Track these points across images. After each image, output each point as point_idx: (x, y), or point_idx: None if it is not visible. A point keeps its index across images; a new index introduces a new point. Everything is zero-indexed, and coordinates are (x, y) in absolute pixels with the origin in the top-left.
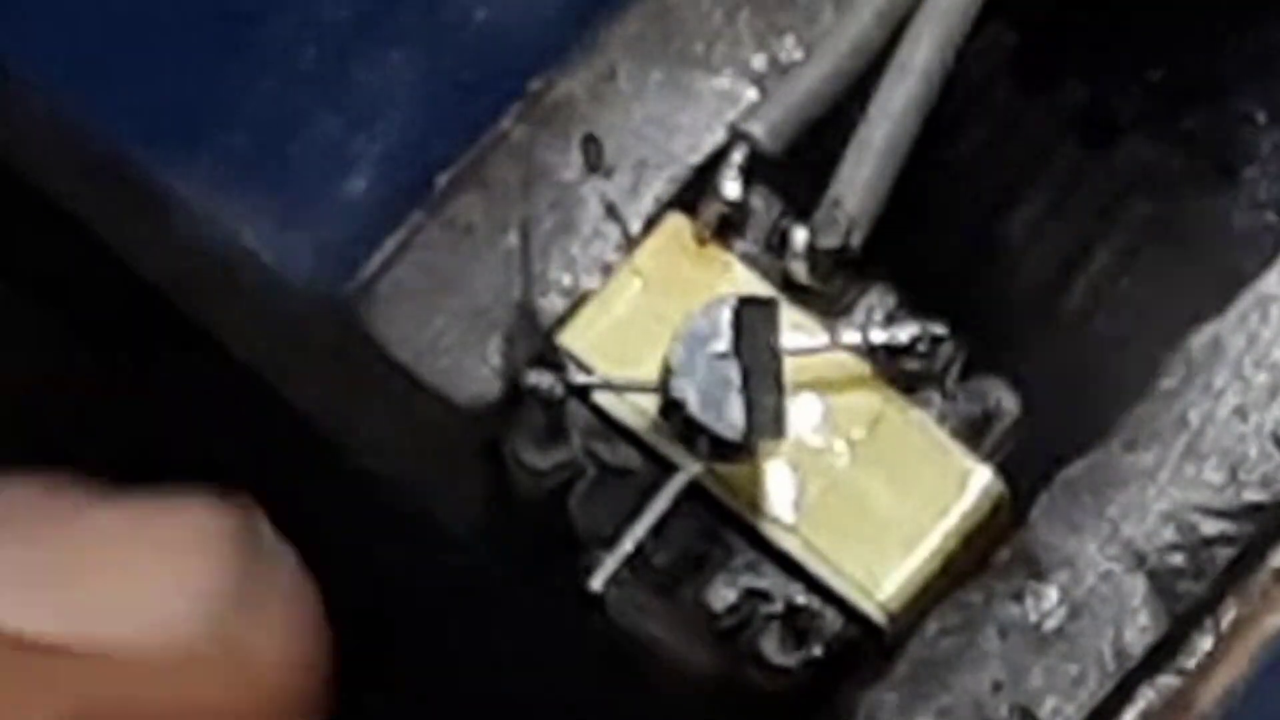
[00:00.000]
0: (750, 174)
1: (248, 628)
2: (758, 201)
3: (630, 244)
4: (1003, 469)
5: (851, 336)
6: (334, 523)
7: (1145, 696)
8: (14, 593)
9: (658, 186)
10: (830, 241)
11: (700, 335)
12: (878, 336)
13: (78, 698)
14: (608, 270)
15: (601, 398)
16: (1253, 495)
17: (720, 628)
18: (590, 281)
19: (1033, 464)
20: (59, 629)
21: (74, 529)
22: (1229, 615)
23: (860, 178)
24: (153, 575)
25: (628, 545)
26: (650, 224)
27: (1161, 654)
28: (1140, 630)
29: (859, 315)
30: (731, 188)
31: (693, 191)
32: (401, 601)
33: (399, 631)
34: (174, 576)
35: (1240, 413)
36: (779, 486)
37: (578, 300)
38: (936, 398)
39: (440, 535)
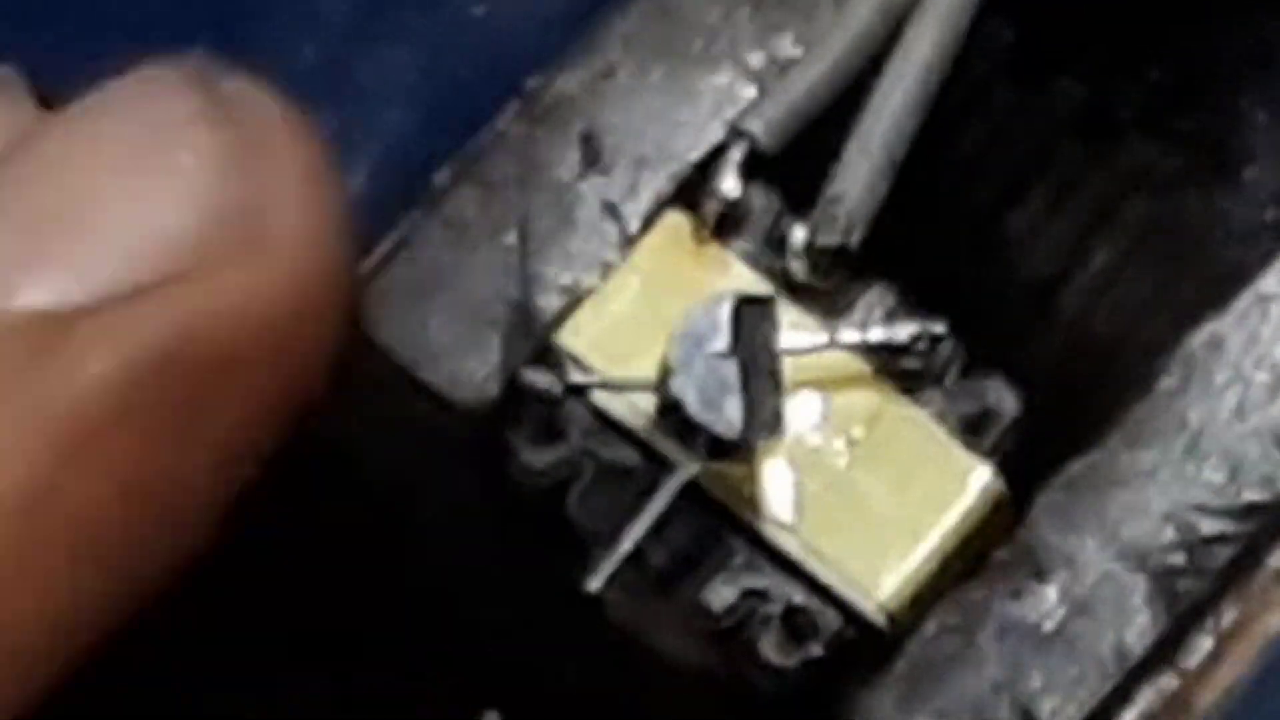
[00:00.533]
0: (749, 172)
1: (255, 216)
2: (757, 199)
3: (629, 242)
4: (1002, 468)
5: (850, 335)
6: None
7: (1145, 696)
8: (12, 262)
9: (656, 184)
10: (829, 240)
11: (698, 334)
12: (877, 335)
13: (119, 348)
14: (606, 268)
15: (599, 397)
16: (1253, 495)
17: (718, 628)
18: (588, 279)
19: (1032, 463)
20: (72, 292)
21: (43, 166)
22: (1229, 615)
23: (859, 176)
24: (141, 191)
25: (626, 544)
26: (649, 222)
27: (1161, 654)
28: (1140, 630)
29: (858, 314)
30: (730, 185)
31: (691, 189)
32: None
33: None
34: (164, 185)
35: (1240, 412)
36: (777, 486)
37: (576, 299)
38: (936, 396)
39: (434, 532)
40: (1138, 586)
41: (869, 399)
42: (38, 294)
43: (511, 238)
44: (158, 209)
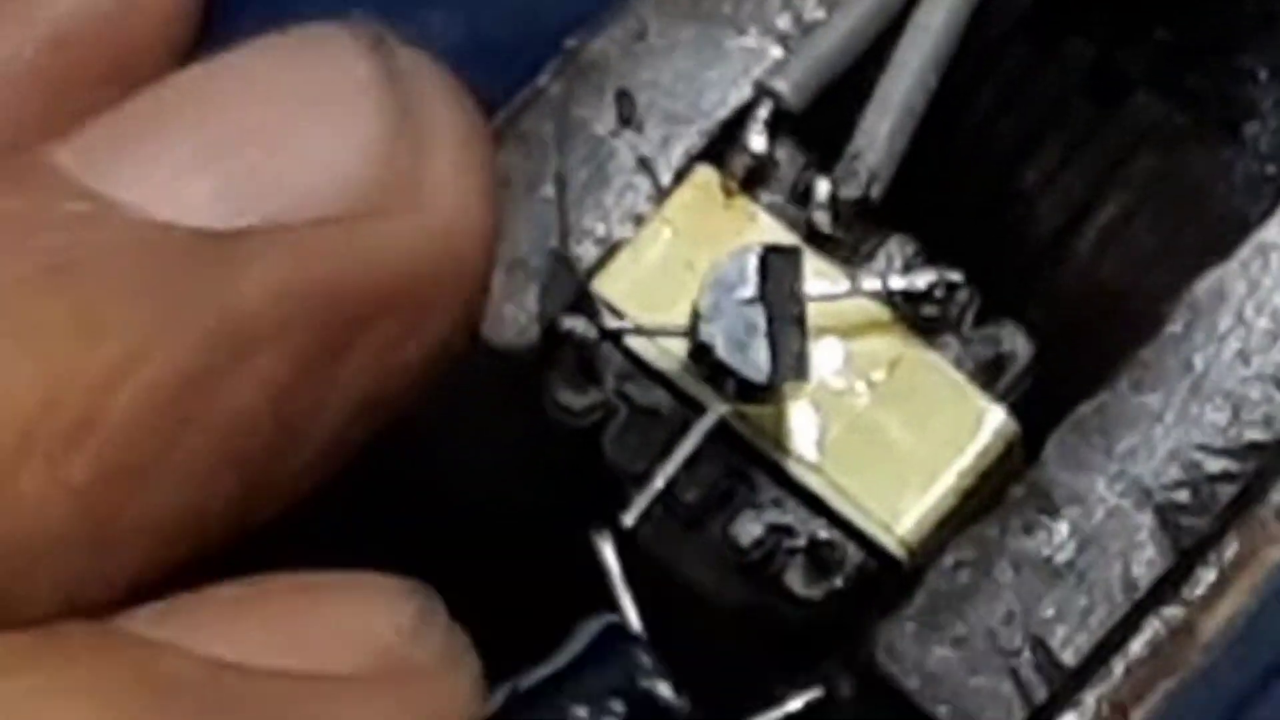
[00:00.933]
0: (775, 129)
1: (418, 166)
2: (782, 155)
3: (661, 195)
4: (1016, 409)
5: (872, 283)
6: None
7: (1152, 626)
8: (187, 181)
9: (687, 140)
10: (851, 193)
11: (727, 282)
12: (897, 283)
13: (282, 271)
14: (639, 220)
15: (633, 342)
16: (1254, 434)
17: (747, 561)
18: (623, 231)
19: (1044, 405)
20: (244, 213)
21: (219, 98)
22: (1231, 549)
23: (880, 132)
24: (314, 132)
25: (658, 483)
26: (680, 176)
27: (1167, 586)
28: (1147, 563)
29: (879, 263)
30: (757, 142)
31: (720, 145)
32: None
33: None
34: (336, 129)
35: (1242, 356)
36: (802, 426)
37: (611, 249)
38: (953, 341)
39: (474, 472)
40: (1145, 522)
41: (889, 344)
42: (213, 207)
43: (550, 191)
44: (331, 152)
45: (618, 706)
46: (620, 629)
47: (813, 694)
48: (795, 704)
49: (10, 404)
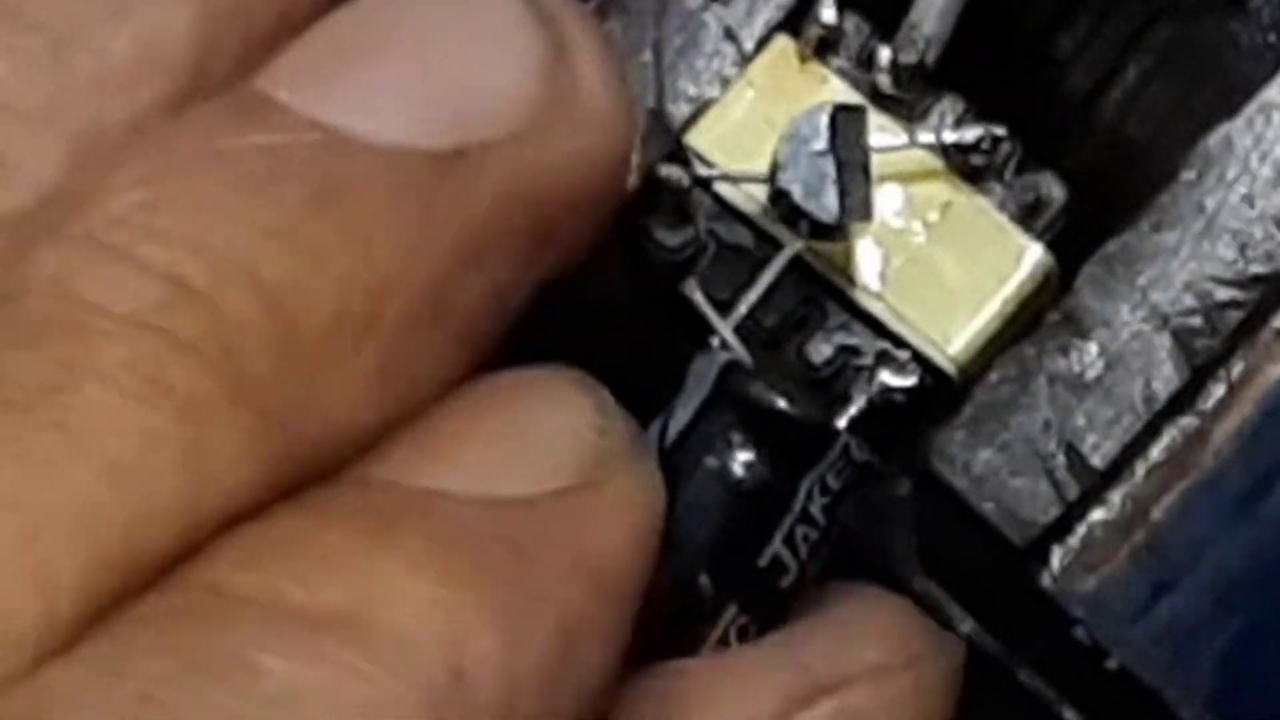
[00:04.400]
0: (843, 2)
1: (572, 89)
2: (850, 25)
3: (744, 61)
4: (1052, 246)
5: (927, 137)
6: None
7: (1169, 434)
8: (401, 110)
9: (767, 13)
10: (909, 58)
11: (802, 136)
12: (948, 137)
13: (497, 184)
14: (726, 82)
15: (721, 187)
16: (1258, 268)
17: (818, 378)
18: (711, 92)
19: (1076, 242)
20: (451, 137)
21: (411, 35)
22: (1238, 367)
23: (935, 5)
24: (489, 67)
25: (742, 309)
26: (761, 44)
27: (1183, 399)
28: (1165, 380)
29: (933, 119)
30: (828, 14)
31: (797, 17)
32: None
33: None
34: (507, 63)
35: (1248, 199)
36: (866, 261)
37: (701, 107)
38: (997, 187)
39: (581, 299)
40: (1163, 343)
41: (942, 189)
42: (423, 129)
43: (648, 57)
44: (507, 77)
45: (756, 436)
46: (736, 364)
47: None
48: None
49: (308, 311)
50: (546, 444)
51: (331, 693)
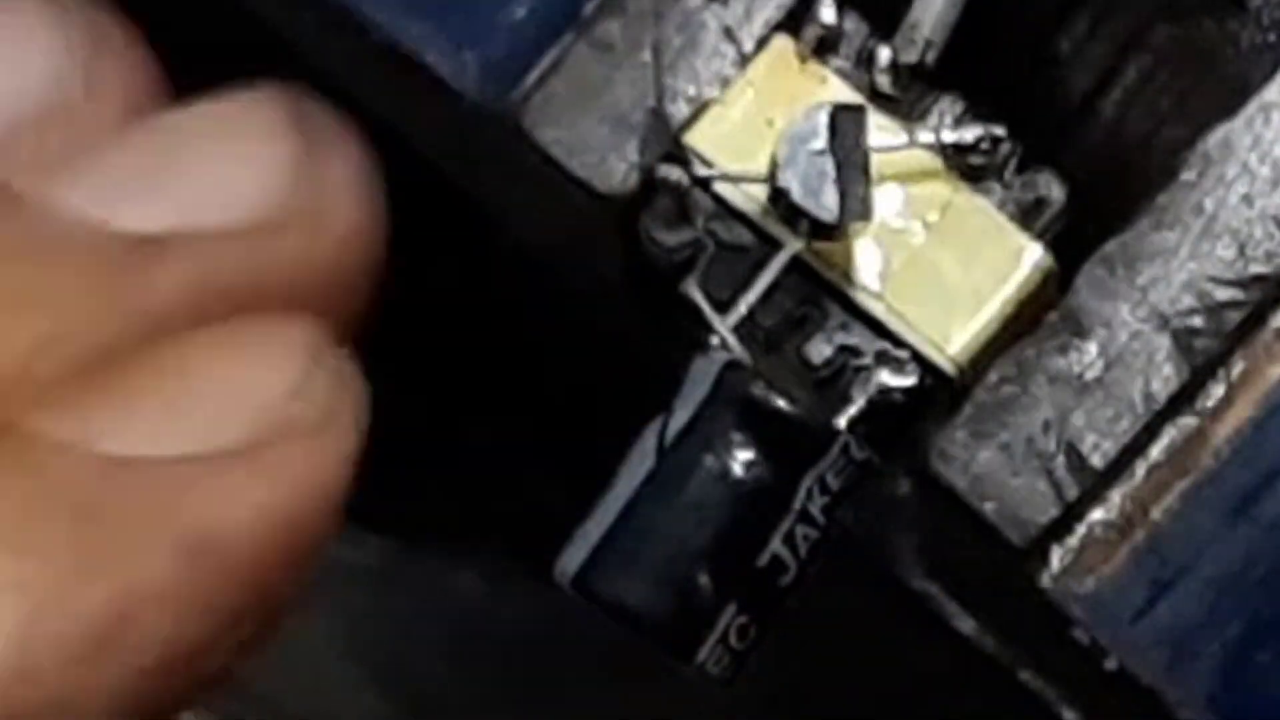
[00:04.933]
0: (843, 2)
1: (316, 194)
2: (849, 25)
3: (744, 61)
4: (1051, 246)
5: (926, 136)
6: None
7: (1169, 434)
8: (124, 193)
9: (767, 13)
10: (909, 58)
11: (802, 135)
12: (948, 136)
13: (194, 271)
14: (725, 82)
15: (720, 187)
16: (1257, 268)
17: (818, 378)
18: (711, 91)
19: (1076, 242)
20: (167, 222)
21: (159, 134)
22: (1238, 367)
23: (934, 5)
24: (231, 163)
25: (741, 309)
26: (761, 44)
27: (1182, 399)
28: (1165, 380)
29: (932, 119)
30: (828, 14)
31: (796, 17)
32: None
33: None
34: (249, 161)
35: (1247, 199)
36: (866, 260)
37: (701, 107)
38: (997, 187)
39: (580, 299)
40: (1163, 344)
41: (941, 189)
42: (139, 216)
43: (647, 56)
44: (245, 179)
45: (756, 435)
46: (736, 364)
47: None
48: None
49: None
50: (212, 406)
51: None
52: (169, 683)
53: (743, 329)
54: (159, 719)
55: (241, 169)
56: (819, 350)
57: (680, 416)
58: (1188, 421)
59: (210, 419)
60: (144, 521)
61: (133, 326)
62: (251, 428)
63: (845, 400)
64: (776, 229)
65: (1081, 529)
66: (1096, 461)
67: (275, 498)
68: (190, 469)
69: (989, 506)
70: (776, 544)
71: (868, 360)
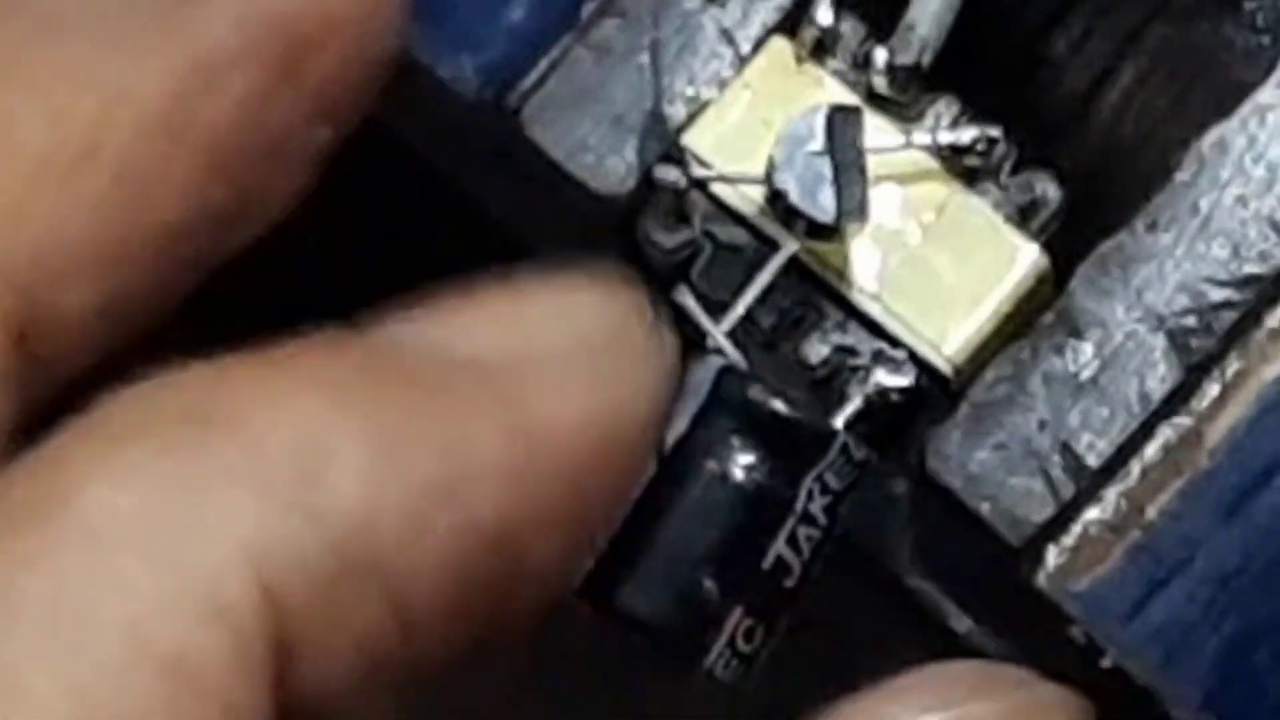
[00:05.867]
0: (840, 4)
1: None
2: (846, 27)
3: (741, 63)
4: (1047, 247)
5: (922, 138)
6: None
7: (1164, 433)
8: None
9: (764, 15)
10: (905, 60)
11: (799, 137)
12: (944, 137)
13: (238, 11)
14: (723, 84)
15: (718, 188)
16: (1252, 268)
17: (814, 378)
18: (709, 93)
19: (1071, 243)
20: None
21: None
22: (1233, 367)
23: (931, 7)
24: None
25: (738, 309)
26: (758, 46)
27: (1177, 399)
28: (1160, 379)
29: (929, 120)
30: (825, 16)
31: (793, 19)
32: None
33: None
34: None
35: (1242, 201)
36: (863, 261)
37: (698, 108)
38: (992, 188)
39: None
40: (1158, 344)
41: (937, 190)
42: None
43: (645, 58)
44: None
45: (755, 439)
46: (731, 368)
47: None
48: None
49: (25, 143)
50: (546, 320)
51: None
52: (490, 572)
53: (740, 329)
54: (487, 626)
55: None
56: (816, 350)
57: (679, 423)
58: (1183, 421)
59: (545, 330)
60: (480, 401)
61: (192, 72)
62: (581, 340)
63: (842, 400)
64: (773, 230)
65: (1077, 528)
66: (1092, 461)
67: (600, 405)
68: (525, 369)
69: (985, 506)
70: (780, 546)
71: (864, 360)
